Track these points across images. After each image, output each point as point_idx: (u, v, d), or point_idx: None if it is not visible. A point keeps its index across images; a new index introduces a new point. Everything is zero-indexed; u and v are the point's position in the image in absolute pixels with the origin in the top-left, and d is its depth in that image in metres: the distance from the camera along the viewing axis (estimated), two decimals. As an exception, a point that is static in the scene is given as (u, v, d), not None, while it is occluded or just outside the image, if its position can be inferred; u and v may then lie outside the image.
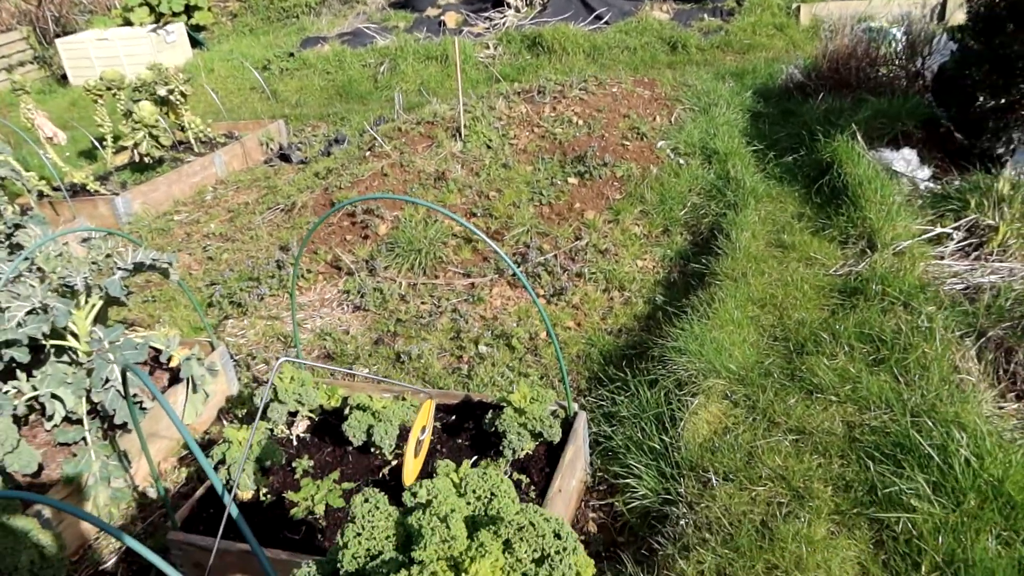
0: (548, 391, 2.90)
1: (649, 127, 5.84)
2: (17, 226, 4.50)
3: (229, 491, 2.86)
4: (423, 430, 1.88)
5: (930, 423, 2.73)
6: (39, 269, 3.17)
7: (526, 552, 1.09)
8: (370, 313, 4.70)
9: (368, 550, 1.20)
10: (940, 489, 2.48)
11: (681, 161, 5.53)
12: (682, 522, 2.62)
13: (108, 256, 3.28)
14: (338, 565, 1.21)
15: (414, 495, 1.23)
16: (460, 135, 6.05)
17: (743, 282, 3.97)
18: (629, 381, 3.52)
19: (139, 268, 3.28)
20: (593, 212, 5.26)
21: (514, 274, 4.78)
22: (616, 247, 4.95)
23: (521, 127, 6.09)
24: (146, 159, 7.39)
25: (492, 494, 1.15)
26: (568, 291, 4.58)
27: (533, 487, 2.77)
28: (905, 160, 5.05)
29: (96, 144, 7.59)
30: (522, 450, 2.85)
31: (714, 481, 2.73)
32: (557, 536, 1.14)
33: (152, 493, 3.40)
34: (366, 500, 1.26)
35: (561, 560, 1.09)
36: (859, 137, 5.13)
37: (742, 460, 2.81)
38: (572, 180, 5.48)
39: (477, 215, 5.35)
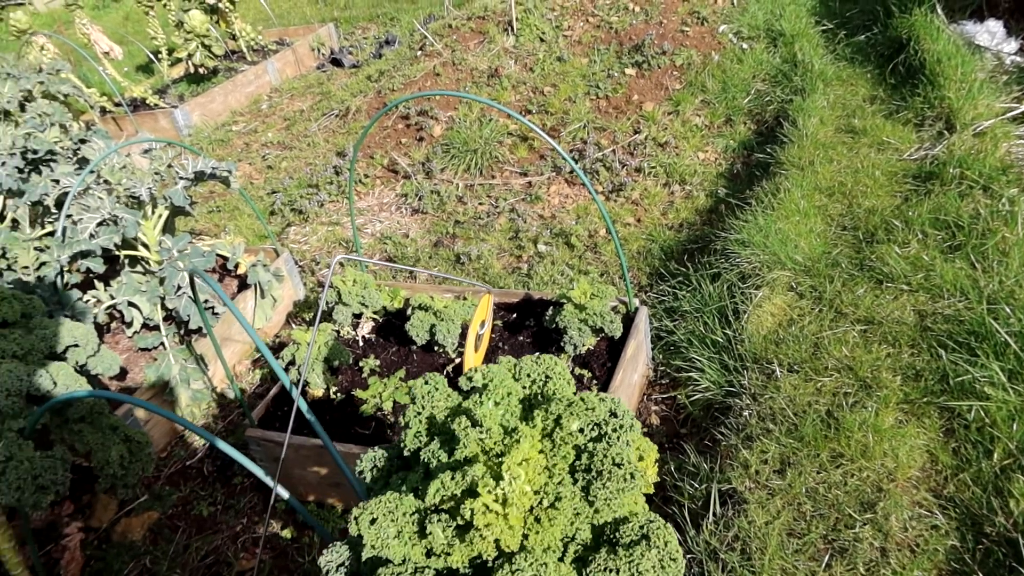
0: (608, 287, 2.88)
1: (710, 10, 5.54)
2: (83, 141, 4.62)
3: (298, 387, 2.97)
4: (482, 324, 1.90)
5: (1008, 310, 2.62)
6: (105, 181, 3.24)
7: (576, 425, 1.11)
8: (428, 215, 4.71)
9: (428, 430, 1.23)
10: (1016, 376, 2.40)
11: (744, 46, 5.25)
12: (745, 413, 2.62)
13: (169, 166, 3.34)
14: (401, 444, 1.25)
15: (470, 379, 1.25)
16: (512, 29, 5.85)
17: (810, 170, 3.81)
18: (691, 276, 3.47)
19: (200, 177, 3.33)
20: (652, 104, 5.07)
21: (572, 171, 4.69)
22: (676, 139, 4.79)
23: (575, 17, 5.85)
24: (201, 70, 7.41)
25: (547, 376, 1.16)
26: (627, 186, 4.48)
27: (595, 381, 2.79)
28: (990, 33, 4.68)
29: (152, 57, 7.62)
30: (583, 346, 2.87)
31: (778, 373, 2.70)
32: (613, 415, 1.14)
33: (231, 393, 3.57)
34: (426, 382, 1.29)
35: (618, 437, 1.10)
36: (939, 9, 4.76)
37: (807, 351, 2.77)
38: (629, 71, 5.28)
39: (532, 111, 5.23)
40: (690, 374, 2.98)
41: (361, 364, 3.07)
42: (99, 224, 3.04)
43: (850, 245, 3.29)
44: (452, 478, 1.00)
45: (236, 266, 3.89)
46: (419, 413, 1.24)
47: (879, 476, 2.26)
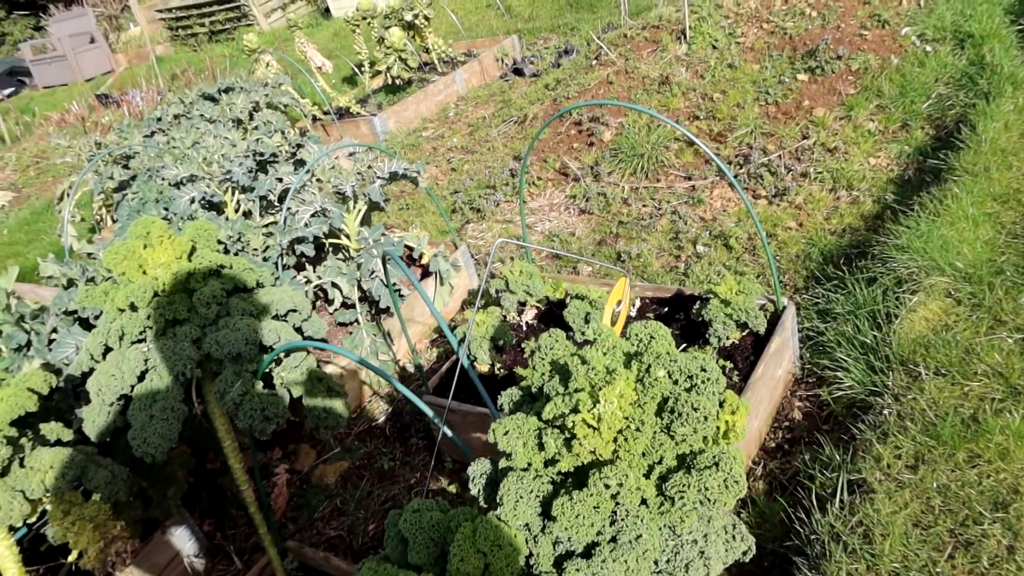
0: (754, 283, 3.03)
1: (892, 12, 5.41)
2: (299, 146, 5.35)
3: (468, 362, 3.36)
4: (618, 303, 2.15)
5: None
6: (317, 180, 3.82)
7: (662, 373, 1.35)
8: (594, 216, 5.00)
9: (550, 371, 1.53)
10: None
11: (928, 48, 5.09)
12: (885, 411, 2.69)
13: (369, 167, 3.87)
14: (530, 384, 1.56)
15: (583, 333, 1.54)
16: (685, 37, 6.01)
17: (984, 177, 3.71)
18: (846, 279, 3.52)
19: (394, 177, 3.83)
20: (823, 109, 5.06)
21: (736, 175, 4.80)
22: (846, 145, 4.76)
23: (749, 24, 5.91)
24: (397, 81, 8.16)
25: (651, 336, 1.41)
26: (791, 191, 4.54)
27: (737, 372, 2.96)
28: None
29: (355, 70, 8.47)
30: (727, 339, 3.04)
31: (924, 375, 2.74)
32: (703, 369, 1.38)
33: (410, 368, 4.06)
34: (549, 335, 1.59)
35: (705, 388, 1.33)
36: None
37: (957, 356, 2.78)
38: (801, 76, 5.29)
39: (700, 118, 5.38)
40: (836, 373, 3.06)
41: (523, 346, 3.42)
42: (312, 215, 3.61)
43: (1019, 253, 3.21)
44: (563, 400, 1.29)
45: (420, 256, 4.39)
46: (543, 358, 1.55)
47: (1016, 479, 2.28)
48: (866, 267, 3.55)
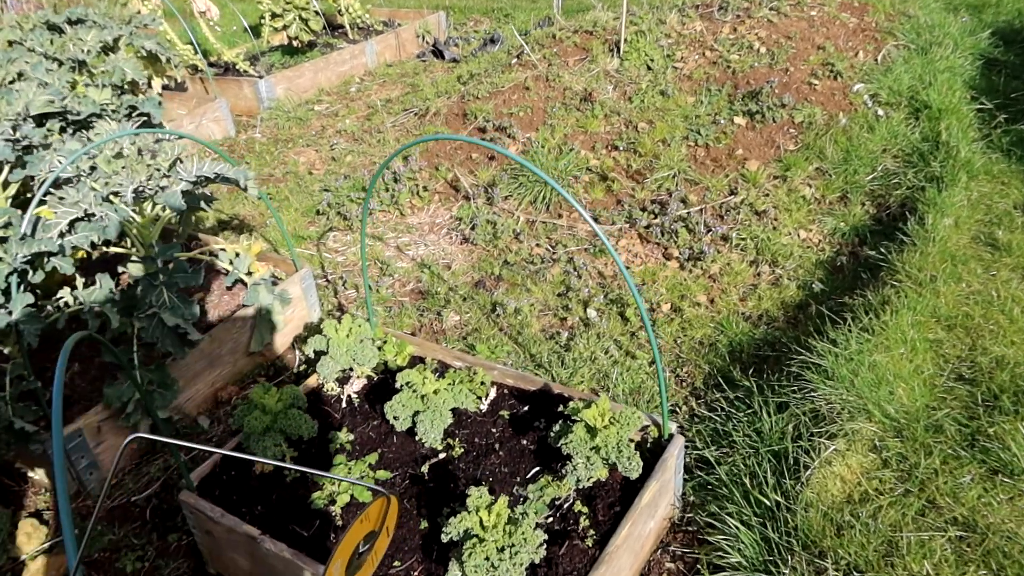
0: (635, 412, 2.28)
1: (847, 64, 4.78)
2: (132, 107, 4.33)
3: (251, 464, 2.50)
4: (370, 536, 1.31)
5: None
6: (93, 168, 2.87)
7: None
8: (478, 248, 4.20)
9: None
10: None
11: (880, 112, 4.48)
12: (776, 623, 1.99)
13: (176, 163, 2.94)
14: None
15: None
16: (618, 50, 5.25)
17: (929, 289, 3.09)
18: (753, 395, 2.82)
19: (205, 181, 2.92)
20: (757, 162, 4.38)
21: (647, 226, 4.07)
22: (778, 210, 4.10)
23: (691, 48, 5.19)
24: (295, 43, 7.13)
25: None
26: (707, 256, 3.84)
27: (593, 532, 2.21)
28: None
29: (246, 27, 7.37)
30: (590, 478, 2.29)
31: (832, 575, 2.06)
32: None
33: (204, 422, 3.17)
34: None
35: None
36: None
37: (877, 552, 2.11)
38: (739, 120, 4.60)
39: (619, 148, 4.62)
40: (720, 536, 2.35)
41: (331, 436, 2.59)
42: (75, 220, 2.66)
43: (963, 405, 2.58)
44: None
45: (248, 275, 3.49)
46: None
47: None
48: (779, 384, 2.85)
